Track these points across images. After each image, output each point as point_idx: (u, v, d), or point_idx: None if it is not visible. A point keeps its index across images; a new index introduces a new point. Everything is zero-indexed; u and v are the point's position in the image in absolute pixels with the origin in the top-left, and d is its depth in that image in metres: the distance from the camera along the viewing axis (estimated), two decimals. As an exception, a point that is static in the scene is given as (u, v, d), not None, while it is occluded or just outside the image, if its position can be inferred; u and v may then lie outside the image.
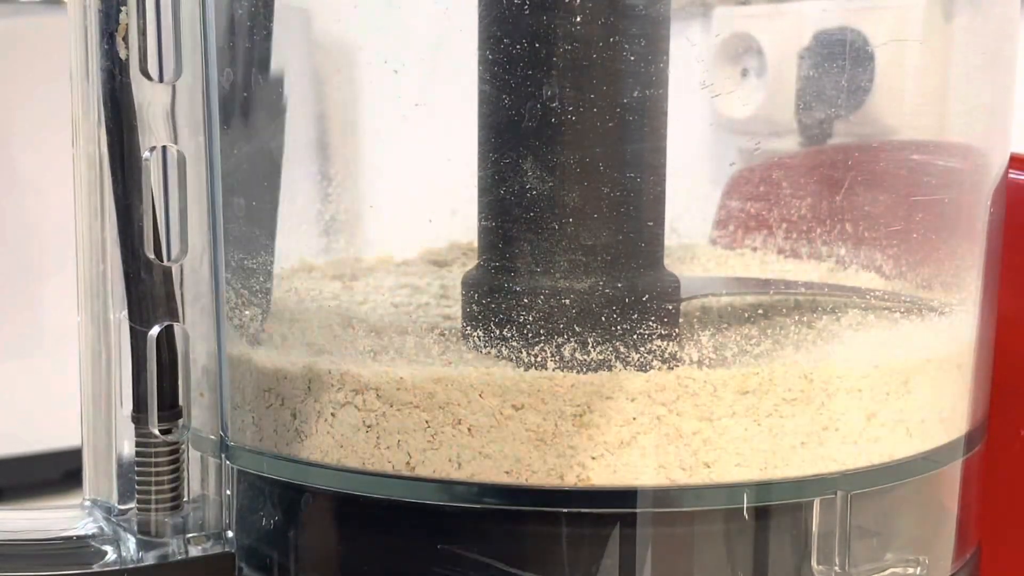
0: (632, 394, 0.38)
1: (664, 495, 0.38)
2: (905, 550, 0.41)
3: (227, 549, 0.42)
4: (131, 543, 0.41)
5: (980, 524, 0.45)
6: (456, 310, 0.42)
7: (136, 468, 0.42)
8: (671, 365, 0.38)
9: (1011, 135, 0.46)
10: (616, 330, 0.39)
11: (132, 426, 0.42)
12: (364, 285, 0.47)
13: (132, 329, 0.41)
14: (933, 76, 0.44)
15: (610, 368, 0.38)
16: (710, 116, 0.44)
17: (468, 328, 0.40)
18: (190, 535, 0.42)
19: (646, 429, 0.37)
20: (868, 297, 0.42)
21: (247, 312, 0.43)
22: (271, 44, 0.43)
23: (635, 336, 0.39)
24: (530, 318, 0.39)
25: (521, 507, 0.38)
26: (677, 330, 0.39)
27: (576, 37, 0.38)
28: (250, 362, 0.42)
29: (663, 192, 0.40)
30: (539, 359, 0.39)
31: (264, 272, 0.44)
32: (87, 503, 0.43)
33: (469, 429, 0.38)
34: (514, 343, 0.39)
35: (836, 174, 0.43)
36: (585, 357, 0.39)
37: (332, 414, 0.39)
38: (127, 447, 0.42)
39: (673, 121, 0.40)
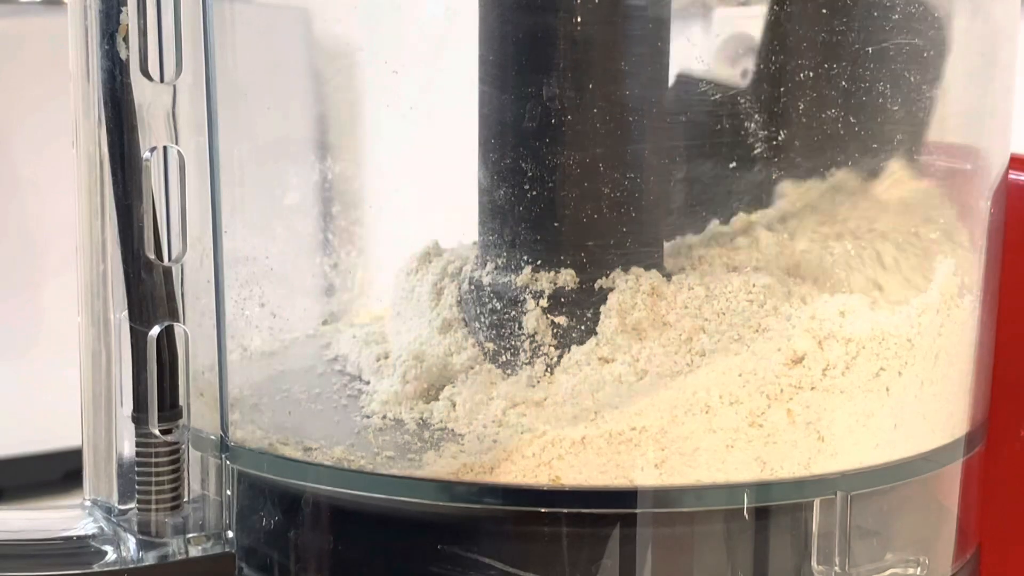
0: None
1: (664, 495, 0.38)
2: (905, 550, 0.41)
3: (227, 549, 0.42)
4: (131, 543, 0.41)
5: (980, 524, 0.45)
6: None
7: (136, 468, 0.42)
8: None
9: (1011, 135, 0.46)
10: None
11: (132, 426, 0.42)
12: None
13: (132, 329, 0.41)
14: (933, 76, 0.44)
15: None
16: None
17: (468, 328, 0.40)
18: (190, 535, 0.42)
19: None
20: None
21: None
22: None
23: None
24: (531, 317, 0.39)
25: (521, 507, 0.38)
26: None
27: (576, 37, 0.38)
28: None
29: (663, 192, 0.40)
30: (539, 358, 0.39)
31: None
32: (87, 503, 0.43)
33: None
34: (515, 342, 0.39)
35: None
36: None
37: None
38: (127, 447, 0.42)
39: (673, 121, 0.40)
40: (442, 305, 0.42)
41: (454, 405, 0.39)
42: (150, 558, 0.41)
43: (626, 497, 0.38)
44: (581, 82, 0.39)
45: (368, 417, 0.40)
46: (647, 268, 0.40)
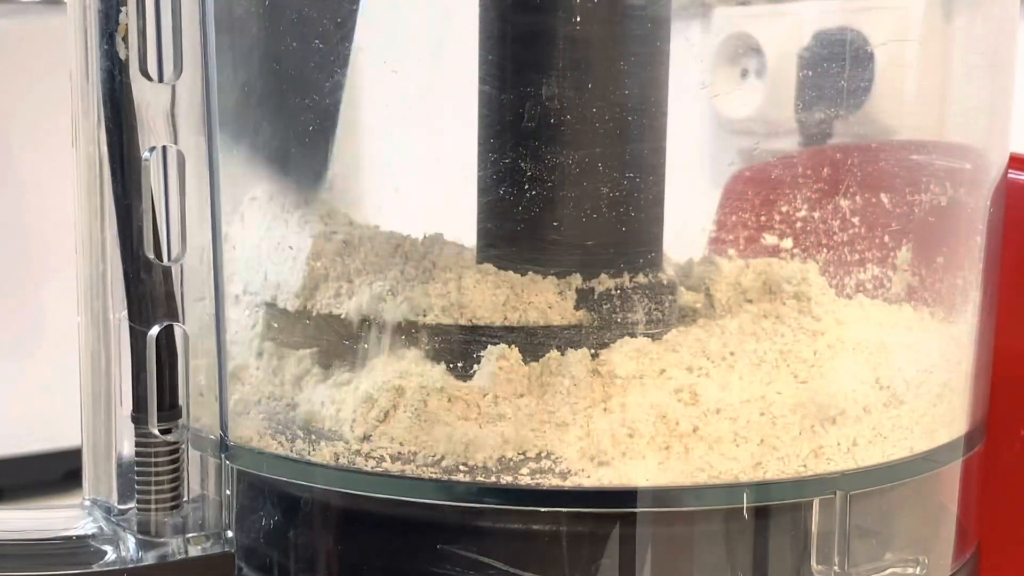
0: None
1: (664, 495, 0.38)
2: (905, 550, 0.41)
3: (227, 549, 0.42)
4: (131, 543, 0.41)
5: (980, 524, 0.45)
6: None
7: (136, 468, 0.42)
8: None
9: (1011, 135, 0.46)
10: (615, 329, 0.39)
11: (132, 426, 0.42)
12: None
13: (132, 329, 0.41)
14: (933, 76, 0.44)
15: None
16: (710, 116, 0.44)
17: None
18: (190, 535, 0.42)
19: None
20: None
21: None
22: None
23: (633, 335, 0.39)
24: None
25: (521, 507, 0.38)
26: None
27: (576, 37, 0.38)
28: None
29: (663, 192, 0.40)
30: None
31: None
32: (87, 503, 0.43)
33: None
34: (515, 341, 0.39)
35: (835, 174, 0.43)
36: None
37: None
38: (127, 447, 0.42)
39: (673, 121, 0.40)
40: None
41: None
42: (150, 558, 0.41)
43: (626, 497, 0.38)
44: (580, 82, 0.39)
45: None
46: (645, 267, 0.40)
